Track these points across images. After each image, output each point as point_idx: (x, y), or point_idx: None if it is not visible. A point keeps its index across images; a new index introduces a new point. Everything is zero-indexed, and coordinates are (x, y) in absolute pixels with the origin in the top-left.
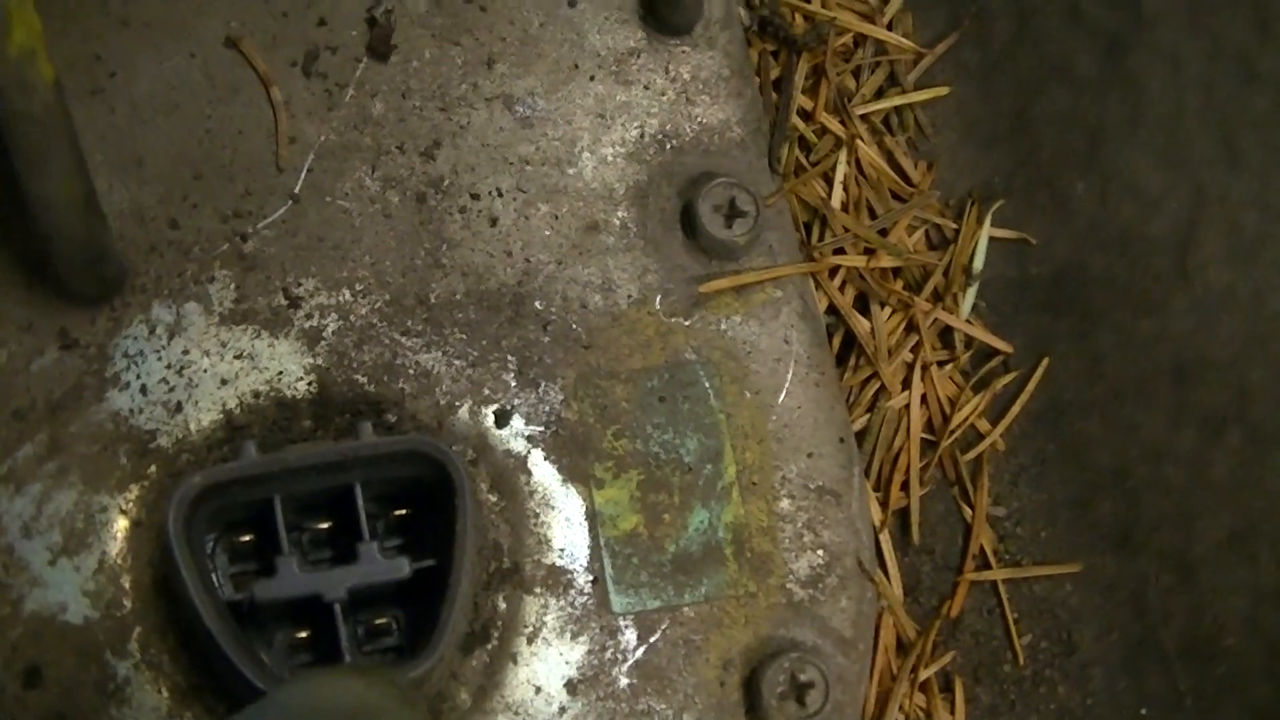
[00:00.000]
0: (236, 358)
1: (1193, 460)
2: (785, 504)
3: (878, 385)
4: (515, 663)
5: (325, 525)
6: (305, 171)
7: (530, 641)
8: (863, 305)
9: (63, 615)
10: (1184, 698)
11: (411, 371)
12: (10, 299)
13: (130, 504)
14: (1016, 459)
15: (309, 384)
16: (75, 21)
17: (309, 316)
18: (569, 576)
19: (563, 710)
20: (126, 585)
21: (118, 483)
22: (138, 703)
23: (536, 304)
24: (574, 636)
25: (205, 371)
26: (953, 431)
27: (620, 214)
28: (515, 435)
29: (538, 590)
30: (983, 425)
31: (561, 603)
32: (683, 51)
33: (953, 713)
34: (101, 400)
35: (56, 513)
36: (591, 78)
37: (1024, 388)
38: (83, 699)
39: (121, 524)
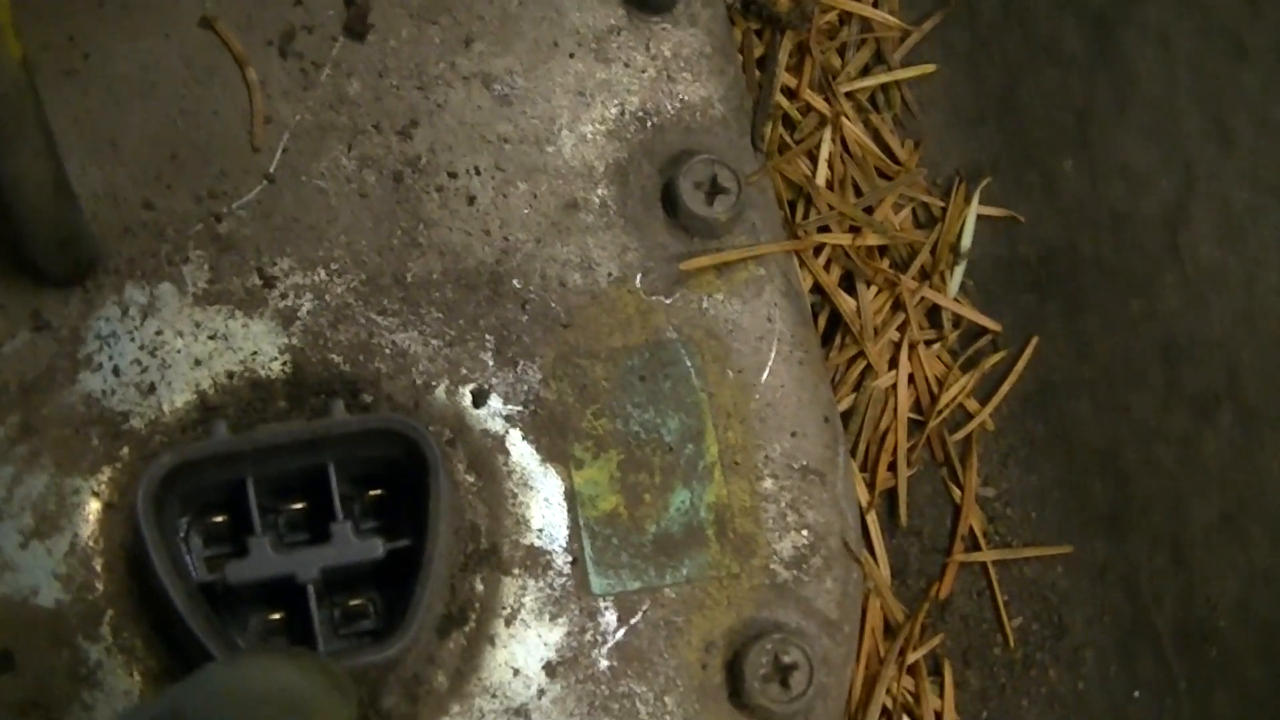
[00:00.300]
0: (210, 338)
1: (1183, 441)
2: (768, 484)
3: (864, 364)
4: (493, 645)
5: (299, 506)
6: (281, 151)
7: (508, 623)
8: (848, 284)
9: (34, 599)
10: (1177, 680)
11: (388, 351)
12: None
13: (102, 486)
14: (1006, 439)
15: (284, 364)
16: (49, 3)
17: (284, 296)
18: (548, 558)
19: (542, 693)
20: (98, 568)
21: (90, 465)
22: (110, 687)
23: (515, 283)
24: (553, 618)
25: (179, 352)
26: (941, 411)
27: (600, 192)
28: (493, 415)
29: (516, 572)
30: (971, 405)
31: (540, 584)
32: (664, 29)
33: (941, 696)
34: (74, 382)
35: (28, 495)
36: (571, 55)
37: (1013, 367)
38: (55, 683)
39: (93, 506)
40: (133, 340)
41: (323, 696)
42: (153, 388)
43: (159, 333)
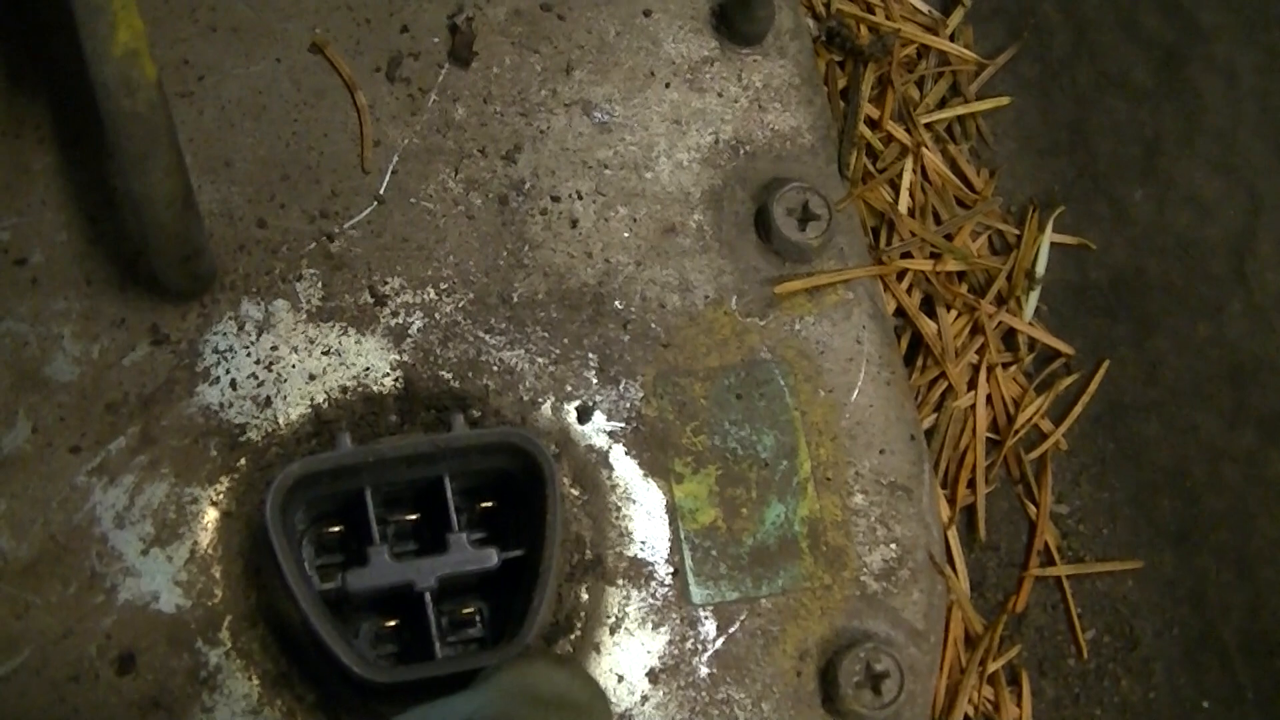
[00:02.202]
0: (324, 354)
1: (1250, 460)
2: (859, 499)
3: (945, 385)
4: (598, 652)
5: (412, 517)
6: (390, 173)
7: (613, 632)
8: (929, 308)
9: (155, 604)
10: (1244, 691)
11: (495, 368)
12: (104, 295)
13: (220, 495)
14: (1078, 458)
15: (395, 380)
16: (164, 28)
17: (395, 314)
18: (650, 568)
19: (645, 699)
20: (217, 575)
21: (208, 475)
22: (229, 690)
23: (616, 303)
24: (655, 627)
25: (294, 367)
26: (1017, 431)
27: (696, 217)
28: (597, 431)
29: (620, 582)
30: (1045, 425)
31: (643, 594)
32: (755, 60)
33: (1019, 705)
34: (192, 394)
35: (149, 504)
36: (667, 85)
37: (1085, 389)
38: (175, 686)
39: (212, 515)
40: (249, 355)
41: (597, 700)
42: (269, 401)
43: (274, 348)
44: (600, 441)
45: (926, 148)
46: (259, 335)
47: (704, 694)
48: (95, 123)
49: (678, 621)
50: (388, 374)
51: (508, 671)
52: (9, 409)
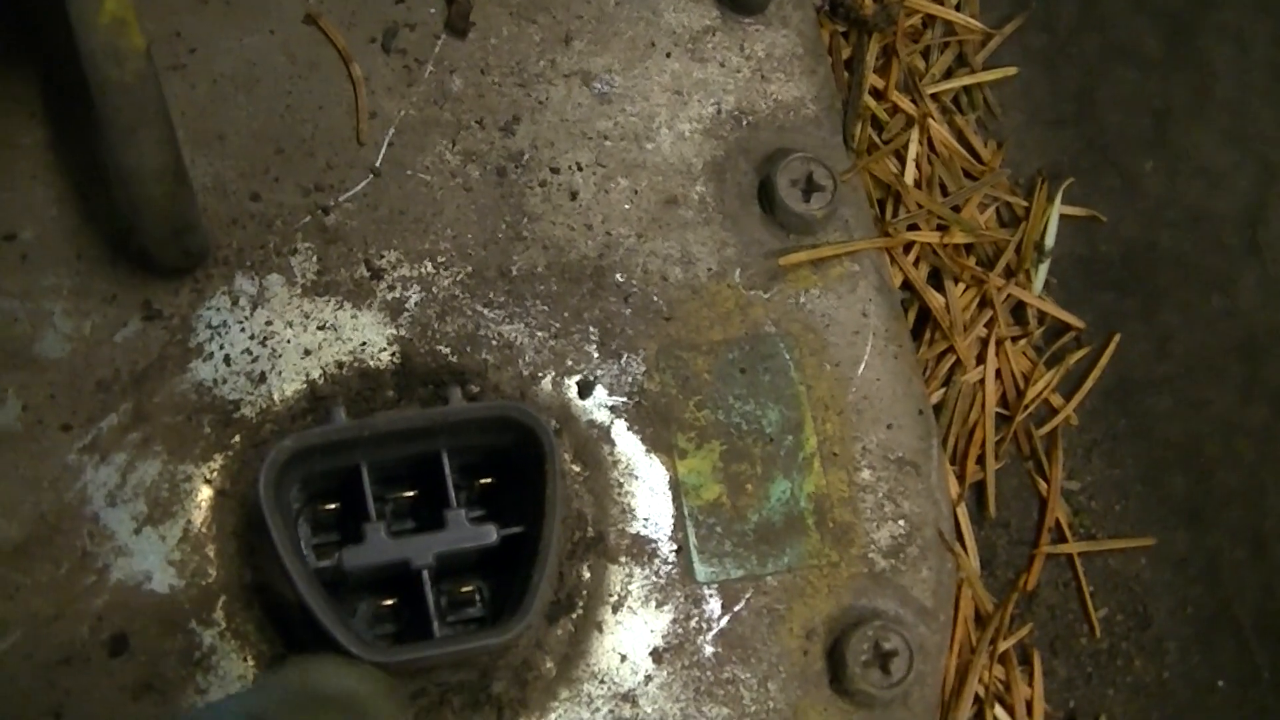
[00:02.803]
0: (319, 328)
1: (1263, 434)
2: (866, 474)
3: (953, 360)
4: (600, 631)
5: (410, 494)
6: (386, 146)
7: (615, 610)
8: (936, 281)
9: (148, 584)
10: (1260, 670)
11: (494, 342)
12: (95, 271)
13: (214, 473)
14: (1089, 434)
15: (392, 354)
16: (155, 0)
17: (391, 288)
18: (653, 546)
19: (648, 678)
20: (211, 554)
21: (202, 452)
22: (223, 671)
23: (617, 276)
24: (659, 605)
25: (288, 342)
26: (1026, 406)
27: (698, 189)
28: (598, 406)
29: (622, 559)
30: (1055, 400)
31: (646, 572)
32: (757, 30)
33: (1031, 685)
34: (185, 370)
35: (141, 482)
36: (668, 55)
37: (1096, 363)
38: (168, 667)
39: (205, 493)
40: (243, 330)
41: (381, 700)
42: (263, 377)
43: (269, 323)
44: (602, 416)
45: (932, 118)
46: (253, 310)
47: (709, 673)
48: (85, 97)
49: (682, 600)
50: (384, 349)
51: (290, 670)
52: None
